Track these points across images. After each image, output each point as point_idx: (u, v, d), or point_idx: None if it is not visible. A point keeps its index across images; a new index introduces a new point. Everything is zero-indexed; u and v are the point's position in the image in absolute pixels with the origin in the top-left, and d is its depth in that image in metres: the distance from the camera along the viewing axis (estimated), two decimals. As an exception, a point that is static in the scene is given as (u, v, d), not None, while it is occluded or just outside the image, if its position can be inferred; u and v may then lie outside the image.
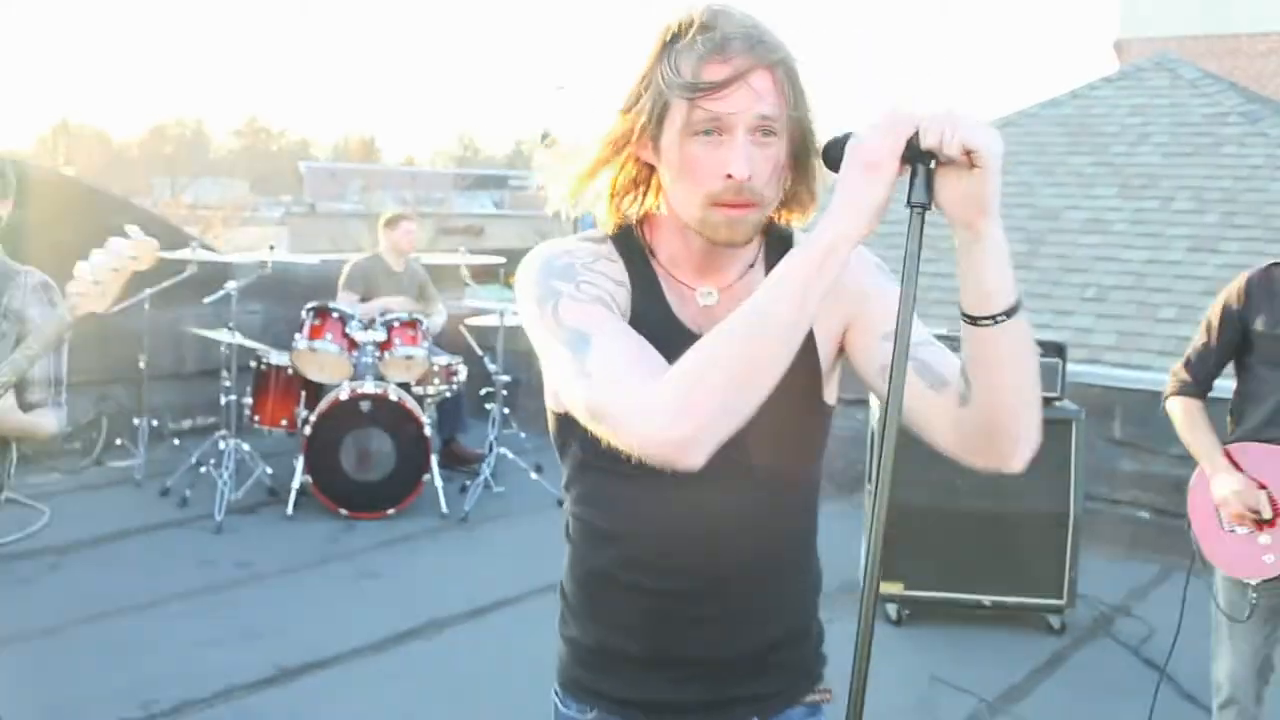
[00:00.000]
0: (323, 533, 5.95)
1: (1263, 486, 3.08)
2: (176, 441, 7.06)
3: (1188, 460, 3.29)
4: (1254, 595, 3.13)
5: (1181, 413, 3.25)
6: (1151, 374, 6.70)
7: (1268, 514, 3.09)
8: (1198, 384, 3.25)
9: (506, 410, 6.99)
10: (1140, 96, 11.19)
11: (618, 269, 1.53)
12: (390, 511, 6.18)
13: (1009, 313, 1.32)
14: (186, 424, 7.59)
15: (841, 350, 1.57)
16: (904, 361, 1.24)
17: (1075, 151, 10.59)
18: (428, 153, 71.78)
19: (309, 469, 6.12)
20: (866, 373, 1.54)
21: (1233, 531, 3.14)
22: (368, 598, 5.17)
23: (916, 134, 1.25)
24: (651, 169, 1.51)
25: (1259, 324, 3.10)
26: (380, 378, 6.31)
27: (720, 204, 1.43)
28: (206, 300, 6.54)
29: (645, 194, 1.55)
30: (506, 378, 6.87)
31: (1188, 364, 3.27)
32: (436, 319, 7.11)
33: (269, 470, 6.43)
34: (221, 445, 6.27)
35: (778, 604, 1.65)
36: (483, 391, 7.11)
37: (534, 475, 6.67)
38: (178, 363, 7.55)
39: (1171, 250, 8.85)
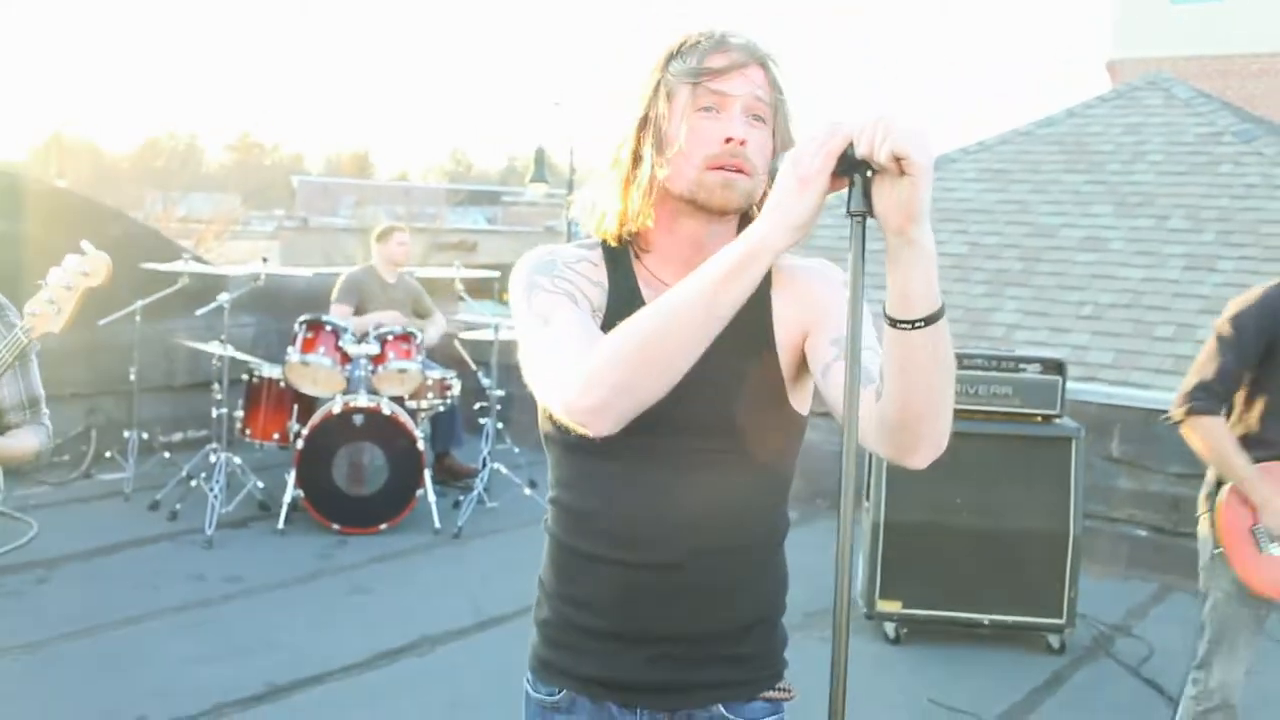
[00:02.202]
0: (314, 548, 5.89)
1: None
2: (167, 455, 7.00)
3: (1185, 479, 3.28)
4: (1265, 610, 3.15)
5: (1212, 432, 3.17)
6: (1149, 392, 6.68)
7: None
8: (1217, 401, 3.19)
9: (500, 425, 6.94)
10: (1135, 115, 11.21)
11: (599, 272, 1.68)
12: (383, 527, 6.12)
13: (929, 319, 1.37)
14: (177, 437, 7.53)
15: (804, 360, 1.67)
16: (857, 366, 1.28)
17: (1071, 170, 10.60)
18: (421, 168, 71.85)
19: (301, 483, 6.05)
20: (815, 373, 1.64)
21: (1270, 555, 3.12)
22: (360, 614, 5.11)
23: (851, 145, 1.30)
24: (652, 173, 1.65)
25: None
26: (373, 391, 6.26)
27: (716, 165, 1.57)
28: (199, 312, 6.49)
29: (645, 209, 1.67)
30: (501, 392, 6.82)
31: (1212, 381, 3.17)
32: (434, 330, 7.07)
33: (260, 484, 6.37)
34: (212, 458, 6.21)
35: (744, 589, 1.71)
36: (477, 406, 7.06)
37: (528, 491, 6.62)
38: (168, 375, 7.49)
39: (1168, 268, 8.85)
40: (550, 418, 1.66)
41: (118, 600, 5.03)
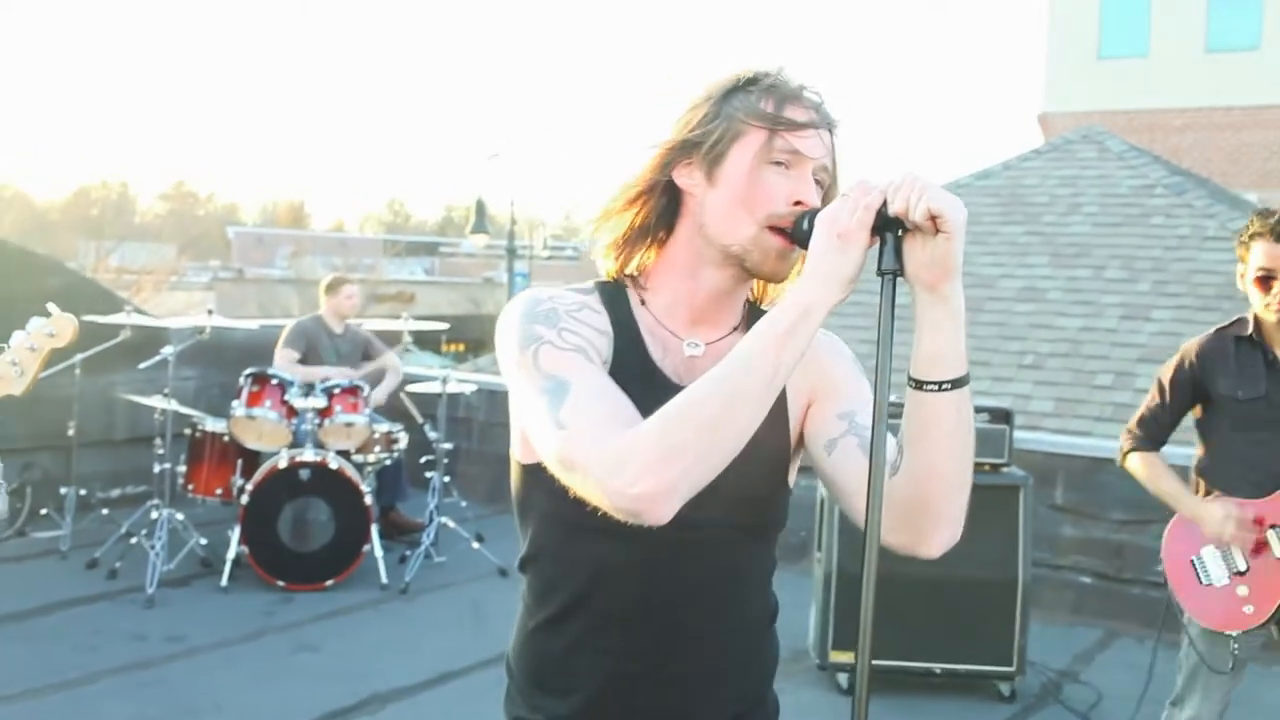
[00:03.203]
0: (259, 605, 5.78)
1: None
2: (105, 511, 6.84)
3: (1127, 525, 3.36)
4: (1235, 646, 3.19)
5: (1144, 465, 3.35)
6: (1091, 440, 6.79)
7: (1243, 566, 3.14)
8: (1152, 440, 3.37)
9: (447, 479, 6.88)
10: (1069, 168, 11.48)
11: (601, 319, 1.55)
12: (329, 583, 6.02)
13: (957, 382, 1.35)
14: (116, 493, 7.37)
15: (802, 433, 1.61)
16: (883, 428, 1.26)
17: (1008, 221, 10.81)
18: (358, 217, 71.60)
19: (245, 539, 5.95)
20: (814, 446, 1.57)
21: (1209, 585, 3.19)
22: (307, 672, 5.01)
23: (885, 203, 1.30)
24: (672, 214, 1.56)
25: (1221, 388, 3.20)
26: (320, 445, 6.19)
27: (777, 229, 1.48)
28: (142, 366, 6.39)
29: (652, 245, 1.59)
30: (448, 445, 6.77)
31: (1141, 422, 3.38)
32: (392, 377, 7.04)
33: (203, 541, 6.25)
34: (154, 515, 6.07)
35: (744, 667, 1.64)
36: (423, 460, 7.00)
37: (475, 545, 6.56)
38: (108, 429, 7.35)
39: (1105, 318, 9.03)
40: (530, 482, 1.56)
41: (56, 662, 4.90)
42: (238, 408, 6.14)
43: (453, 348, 26.07)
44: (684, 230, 1.55)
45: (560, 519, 1.52)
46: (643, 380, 1.49)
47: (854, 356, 1.64)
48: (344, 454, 6.31)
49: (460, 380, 6.96)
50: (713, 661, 1.59)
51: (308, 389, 6.33)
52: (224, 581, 5.92)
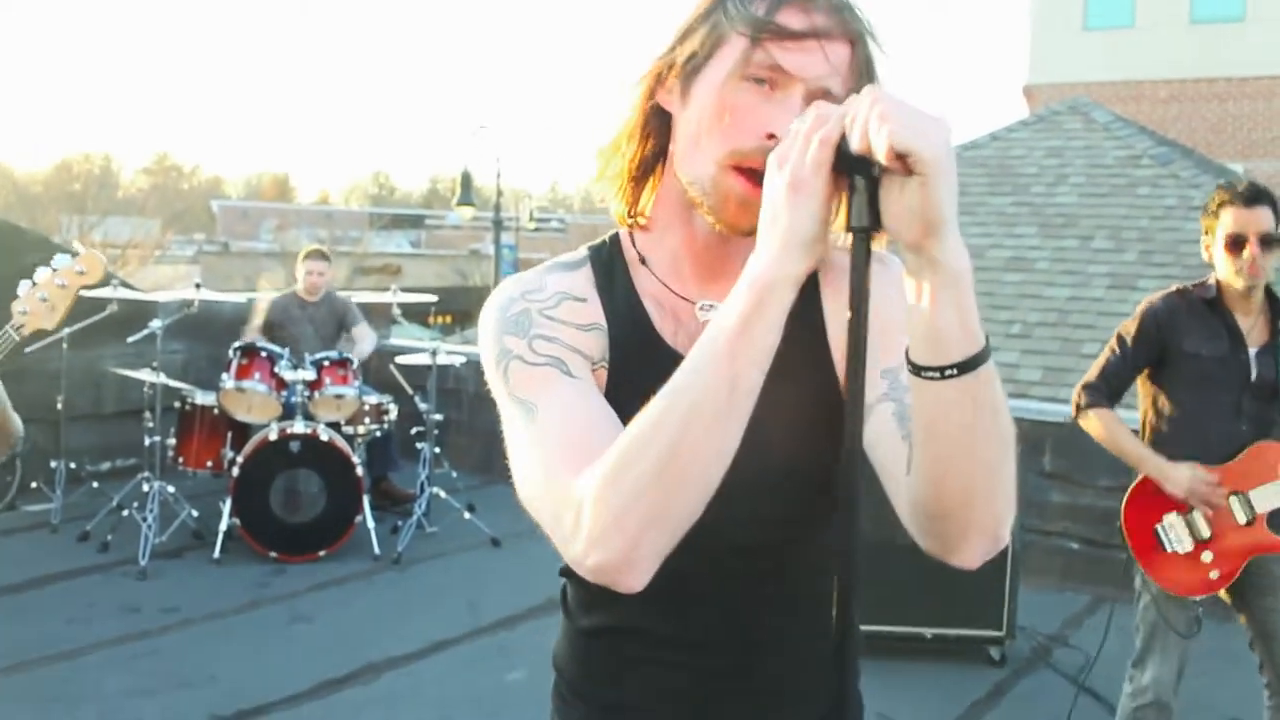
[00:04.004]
0: (252, 576, 5.79)
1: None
2: (95, 484, 6.84)
3: (1114, 492, 3.37)
4: (1199, 609, 3.23)
5: (1102, 423, 3.33)
6: (1078, 408, 6.83)
7: (1206, 533, 3.18)
8: (1112, 395, 3.37)
9: (438, 449, 6.89)
10: (1056, 139, 11.50)
11: (589, 307, 1.30)
12: (321, 554, 6.04)
13: (965, 366, 1.02)
14: (105, 466, 7.37)
15: None
16: (859, 411, 1.00)
17: (996, 192, 10.83)
18: (343, 189, 71.30)
19: (237, 511, 5.96)
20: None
21: (1174, 552, 3.22)
22: (301, 643, 5.03)
23: (845, 139, 1.00)
24: (665, 142, 1.28)
25: (1185, 345, 3.24)
26: (310, 417, 6.19)
27: (742, 169, 1.17)
28: (130, 339, 6.37)
29: (656, 179, 1.32)
30: (438, 416, 6.78)
31: (1103, 375, 3.35)
32: (364, 345, 6.97)
33: (194, 513, 6.26)
34: (145, 487, 6.09)
35: (827, 663, 1.37)
36: (413, 431, 7.01)
37: (467, 515, 6.58)
38: (96, 403, 7.34)
39: (1092, 287, 9.07)
40: None
41: (50, 635, 4.91)
42: (227, 380, 6.14)
43: (440, 320, 26.04)
44: (669, 171, 1.28)
45: None
46: (656, 367, 1.17)
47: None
48: (334, 426, 6.32)
49: (449, 352, 6.97)
50: (794, 664, 1.37)
51: (297, 361, 6.33)
52: (216, 553, 5.93)
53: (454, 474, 7.24)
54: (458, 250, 39.10)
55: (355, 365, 6.46)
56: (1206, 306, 3.26)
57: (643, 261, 1.33)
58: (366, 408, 6.68)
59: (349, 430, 6.57)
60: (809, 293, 1.25)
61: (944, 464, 1.08)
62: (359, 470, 6.11)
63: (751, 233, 1.10)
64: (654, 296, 1.32)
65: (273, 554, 5.98)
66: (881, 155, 0.95)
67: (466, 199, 19.88)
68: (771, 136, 1.14)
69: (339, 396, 6.30)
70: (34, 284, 2.32)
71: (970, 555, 1.14)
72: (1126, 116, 13.68)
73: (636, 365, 1.27)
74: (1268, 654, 3.30)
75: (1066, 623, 5.49)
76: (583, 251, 1.37)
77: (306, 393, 6.23)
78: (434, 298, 7.86)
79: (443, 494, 6.63)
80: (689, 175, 1.22)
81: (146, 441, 6.23)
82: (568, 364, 1.23)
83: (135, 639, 4.96)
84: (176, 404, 6.44)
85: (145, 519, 5.87)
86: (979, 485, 1.09)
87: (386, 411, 6.86)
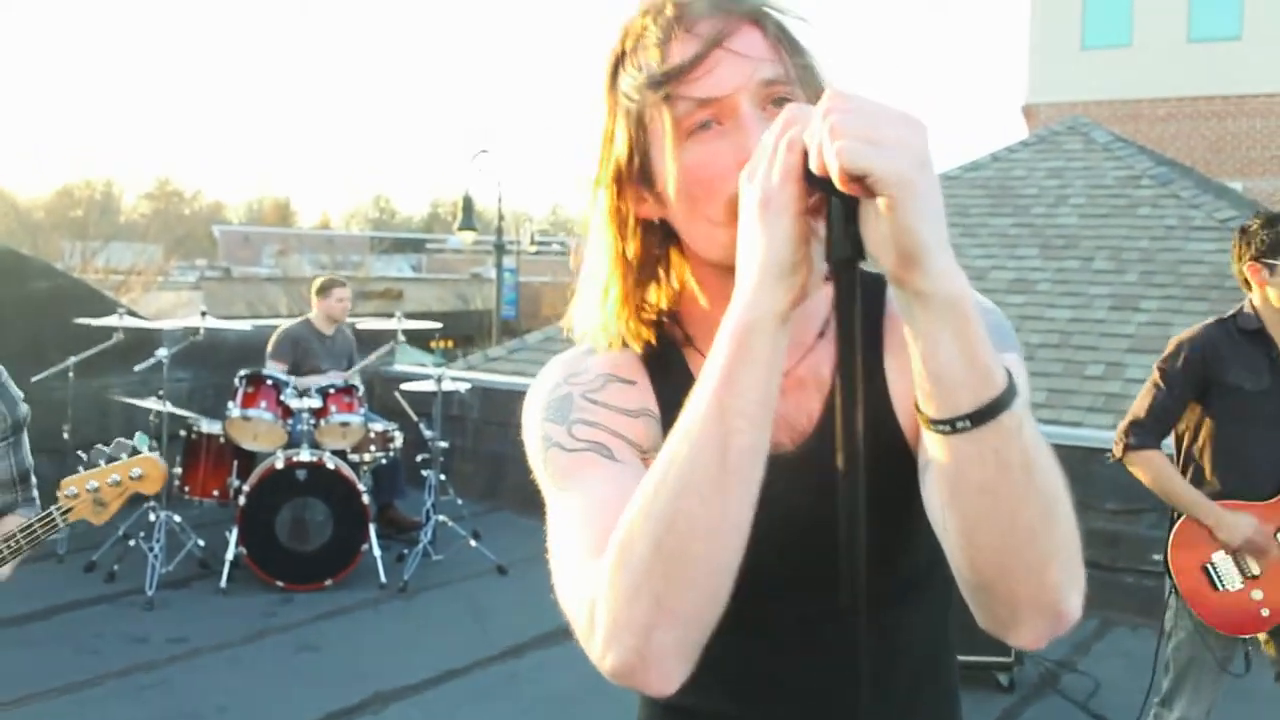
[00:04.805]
0: (259, 606, 5.79)
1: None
2: (101, 514, 6.83)
3: (1121, 515, 3.34)
4: (1249, 647, 3.20)
5: (1149, 466, 3.26)
6: (1083, 430, 6.83)
7: (1256, 570, 3.15)
8: (1160, 434, 3.29)
9: (443, 476, 6.89)
10: (1057, 160, 11.53)
11: (636, 392, 1.18)
12: (328, 583, 6.03)
13: (978, 415, 0.86)
14: (111, 495, 7.35)
15: None
16: (856, 464, 0.88)
17: (997, 213, 10.85)
18: (343, 213, 71.46)
19: (243, 540, 5.96)
20: (919, 465, 1.12)
21: (1225, 591, 3.18)
22: (308, 672, 5.02)
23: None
24: (664, 239, 1.15)
25: (1230, 378, 3.18)
26: (316, 445, 6.19)
27: None
28: (137, 368, 6.38)
29: (667, 275, 1.18)
30: (444, 444, 6.78)
31: (1151, 414, 3.27)
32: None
33: (201, 542, 6.26)
34: (151, 517, 6.08)
35: None
36: (419, 458, 7.01)
37: (473, 542, 6.57)
38: (103, 432, 7.25)
39: (1094, 309, 9.07)
40: None
41: (58, 666, 4.90)
42: (233, 409, 6.14)
43: (442, 345, 26.04)
44: (692, 257, 1.16)
45: None
46: None
47: (1005, 327, 1.17)
48: (340, 454, 6.32)
49: (454, 379, 6.97)
50: None
51: (303, 390, 6.34)
52: (223, 583, 5.93)
53: (459, 501, 7.23)
54: (459, 274, 39.15)
55: (361, 393, 6.46)
56: (1247, 338, 3.20)
57: (689, 342, 1.20)
58: (372, 435, 6.68)
59: (355, 458, 6.58)
60: (869, 340, 1.14)
61: (970, 530, 0.93)
62: (365, 498, 6.11)
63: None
64: None
65: (279, 583, 5.97)
66: (835, 179, 0.82)
67: (468, 223, 19.88)
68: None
69: (345, 424, 6.31)
70: (89, 469, 2.28)
71: (1027, 635, 0.97)
72: (1125, 135, 13.71)
73: None
74: None
75: (1075, 648, 5.47)
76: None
77: (312, 421, 6.23)
78: (438, 324, 7.87)
79: (448, 521, 6.62)
80: (715, 255, 1.08)
81: (152, 471, 6.22)
82: (610, 449, 1.13)
83: (142, 670, 4.96)
84: (182, 432, 6.45)
85: (152, 549, 5.87)
86: (1017, 555, 0.91)
87: (392, 439, 6.87)
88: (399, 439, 6.92)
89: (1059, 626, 0.96)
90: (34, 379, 6.15)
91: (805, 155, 0.85)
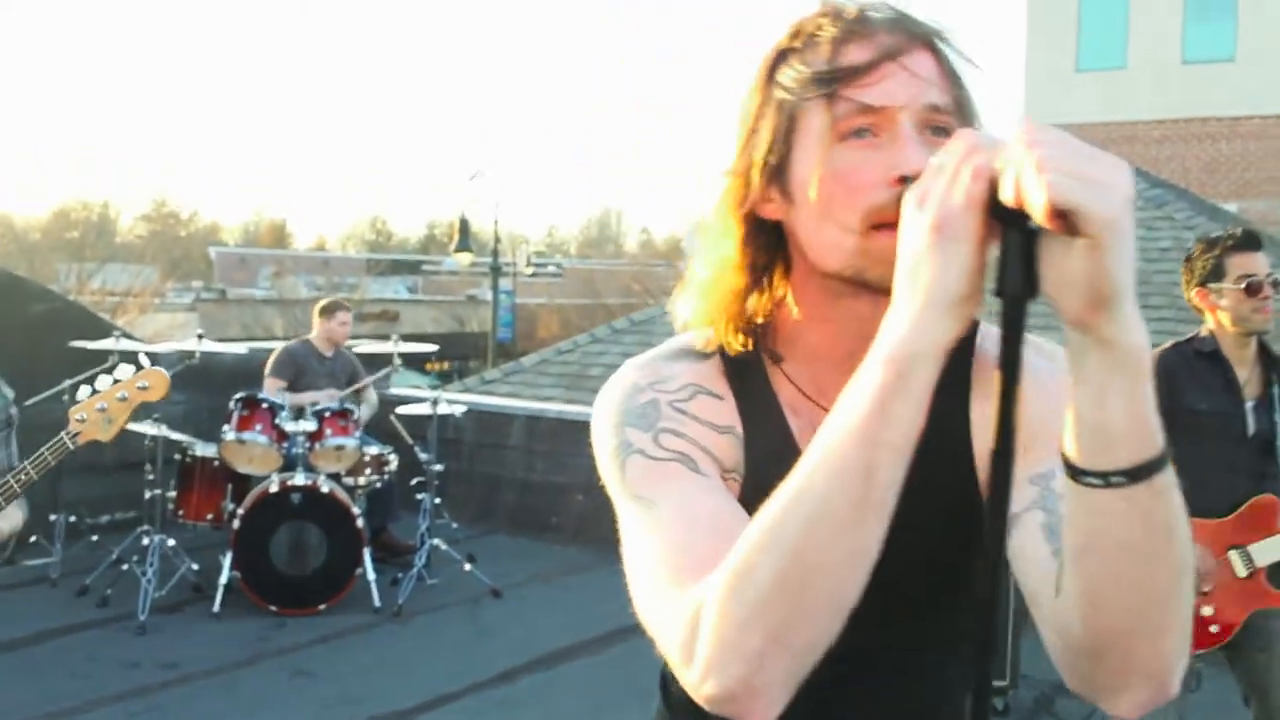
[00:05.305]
0: (252, 630, 5.76)
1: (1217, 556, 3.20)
2: (95, 538, 6.82)
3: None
4: (1199, 665, 3.22)
5: None
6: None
7: (1206, 586, 3.19)
8: None
9: (438, 500, 6.88)
10: (1051, 182, 11.57)
11: (724, 408, 1.16)
12: (322, 607, 6.01)
13: (1135, 473, 0.85)
14: (105, 519, 7.34)
15: None
16: (1002, 523, 0.84)
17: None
18: (340, 235, 71.62)
19: (237, 564, 5.94)
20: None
21: None
22: (303, 698, 5.00)
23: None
24: (776, 243, 1.15)
25: (1187, 400, 3.21)
26: (311, 469, 6.18)
27: (884, 225, 1.02)
28: (131, 391, 6.36)
29: (770, 284, 1.17)
30: (439, 467, 6.77)
31: None
32: (366, 409, 7.01)
33: (194, 566, 6.24)
34: (145, 541, 6.06)
35: None
36: (413, 481, 7.00)
37: (467, 566, 6.55)
38: (96, 455, 7.26)
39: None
40: None
41: (50, 691, 4.88)
42: (228, 432, 6.14)
43: (437, 366, 26.05)
44: (799, 268, 1.15)
45: None
46: None
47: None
48: (335, 477, 6.31)
49: (450, 401, 6.97)
50: None
51: (298, 413, 6.34)
52: (216, 607, 5.90)
53: (454, 525, 7.22)
54: (455, 296, 39.20)
55: (356, 416, 6.46)
56: (1204, 360, 3.25)
57: (775, 361, 1.18)
58: (367, 459, 6.67)
59: (350, 481, 6.56)
60: (954, 385, 1.10)
61: (1100, 591, 0.90)
62: (359, 522, 6.09)
63: None
64: (790, 403, 1.18)
65: (273, 607, 5.95)
66: (1039, 213, 0.77)
67: (464, 245, 19.96)
68: (901, 180, 1.01)
69: (340, 448, 6.30)
70: (95, 391, 2.33)
71: (1127, 703, 0.95)
72: (1120, 157, 13.75)
73: (776, 477, 1.04)
74: (1262, 709, 3.28)
75: (1071, 670, 5.47)
76: (709, 336, 1.20)
77: (307, 444, 6.23)
78: (434, 347, 7.87)
79: (443, 545, 6.61)
80: (836, 263, 1.08)
81: (147, 494, 6.22)
82: (696, 462, 1.10)
83: (135, 695, 4.93)
84: (177, 456, 6.44)
85: (145, 573, 5.85)
86: (1143, 620, 0.90)
87: (387, 462, 6.86)
88: (394, 462, 6.91)
89: (1161, 698, 0.95)
90: (29, 402, 6.13)
91: (991, 184, 0.82)
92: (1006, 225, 0.82)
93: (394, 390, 7.52)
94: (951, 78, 1.08)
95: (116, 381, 2.37)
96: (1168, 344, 3.37)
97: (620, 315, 16.12)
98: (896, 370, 0.86)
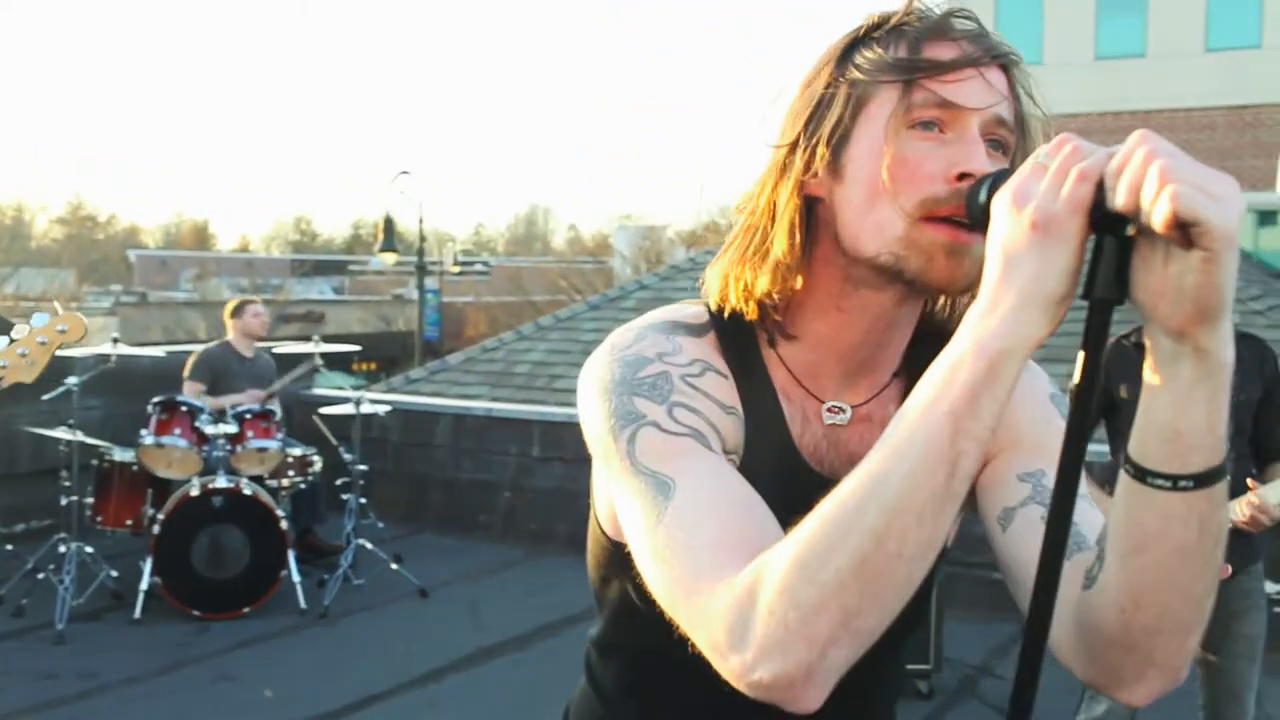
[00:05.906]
0: (174, 636, 5.67)
1: None
2: (9, 547, 6.66)
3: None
4: None
5: None
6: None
7: None
8: None
9: (364, 500, 6.82)
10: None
11: (729, 386, 1.15)
12: (246, 610, 5.94)
13: (1202, 478, 0.88)
14: (20, 528, 7.18)
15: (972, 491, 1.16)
16: (1064, 531, 0.86)
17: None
18: (263, 235, 70.65)
19: (158, 570, 5.84)
20: (987, 514, 1.16)
21: None
22: (227, 703, 4.94)
23: (1102, 185, 0.83)
24: (811, 219, 1.14)
25: (1126, 393, 3.30)
26: (233, 472, 6.10)
27: (939, 218, 1.04)
28: (45, 397, 6.23)
29: (793, 259, 1.16)
30: (363, 467, 6.72)
31: None
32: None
33: (114, 573, 6.12)
34: (61, 549, 5.94)
35: None
36: (338, 482, 6.93)
37: (394, 566, 6.51)
38: (10, 462, 7.17)
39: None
40: (613, 562, 1.22)
41: (-37, 705, 4.77)
42: (146, 436, 6.03)
43: (364, 367, 25.82)
44: (821, 250, 1.14)
45: (644, 620, 1.12)
46: (781, 470, 1.12)
47: (1051, 389, 1.23)
48: (257, 479, 6.23)
49: (374, 401, 6.92)
50: None
51: (218, 416, 6.25)
52: (137, 614, 5.80)
53: (380, 524, 7.17)
54: (381, 295, 38.91)
55: (278, 418, 6.39)
56: (1142, 352, 3.33)
57: (771, 344, 1.18)
58: (290, 460, 6.59)
59: (273, 483, 6.48)
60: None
61: (1147, 590, 0.93)
62: (283, 524, 6.02)
63: (967, 289, 1.05)
64: (783, 387, 1.18)
65: (196, 612, 5.86)
66: (1158, 222, 0.78)
67: (389, 245, 19.76)
68: (962, 177, 1.03)
69: (262, 450, 6.22)
70: (12, 340, 2.36)
71: (1143, 693, 0.99)
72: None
73: (769, 468, 1.10)
74: (1211, 712, 3.39)
75: (992, 653, 5.57)
76: (698, 311, 1.20)
77: (229, 447, 6.14)
78: (358, 347, 7.81)
79: (369, 545, 6.56)
80: (875, 246, 1.08)
81: (63, 501, 6.09)
82: (708, 439, 1.08)
83: (52, 707, 4.83)
84: (94, 461, 6.31)
85: (62, 581, 5.73)
86: (1178, 619, 0.94)
87: (311, 464, 6.79)
88: (318, 463, 6.84)
89: (1171, 688, 0.99)
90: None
91: (1097, 189, 0.83)
92: (1101, 230, 0.84)
93: (317, 391, 7.44)
94: (1018, 101, 1.11)
95: (34, 327, 2.38)
96: (1110, 340, 3.44)
97: (548, 313, 16.10)
98: (990, 364, 0.87)
